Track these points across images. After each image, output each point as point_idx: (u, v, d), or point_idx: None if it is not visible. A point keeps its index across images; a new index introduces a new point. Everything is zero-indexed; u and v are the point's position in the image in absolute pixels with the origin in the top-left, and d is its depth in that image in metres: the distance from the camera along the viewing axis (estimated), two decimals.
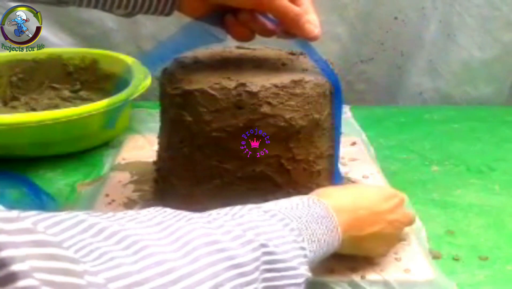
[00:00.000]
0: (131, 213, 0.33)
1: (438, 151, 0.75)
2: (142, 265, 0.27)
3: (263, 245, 0.34)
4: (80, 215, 0.28)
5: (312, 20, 0.46)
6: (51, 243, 0.22)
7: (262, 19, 0.48)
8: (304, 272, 0.36)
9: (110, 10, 0.46)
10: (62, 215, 0.28)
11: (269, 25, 0.48)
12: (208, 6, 0.48)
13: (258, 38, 0.50)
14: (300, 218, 0.39)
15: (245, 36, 0.49)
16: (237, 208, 0.38)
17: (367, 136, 0.77)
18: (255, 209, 0.38)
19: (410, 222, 0.49)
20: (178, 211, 0.35)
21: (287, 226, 0.37)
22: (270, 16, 0.48)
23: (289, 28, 0.47)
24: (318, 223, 0.40)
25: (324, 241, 0.40)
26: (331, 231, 0.40)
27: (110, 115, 0.57)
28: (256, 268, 0.32)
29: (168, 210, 0.34)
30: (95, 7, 0.45)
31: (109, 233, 0.28)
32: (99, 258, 0.26)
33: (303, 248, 0.37)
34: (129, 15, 0.47)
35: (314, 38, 0.47)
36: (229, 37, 0.50)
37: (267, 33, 0.49)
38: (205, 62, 0.53)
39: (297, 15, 0.45)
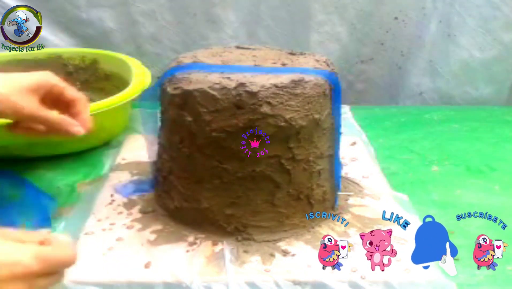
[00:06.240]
0: None
1: (438, 151, 0.75)
2: None
3: None
4: None
5: (74, 122, 0.50)
6: None
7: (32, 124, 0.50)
8: None
9: None
10: None
11: (40, 127, 0.50)
12: None
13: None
14: None
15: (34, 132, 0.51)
16: None
17: (367, 136, 0.77)
18: None
19: None
20: None
21: None
22: None
23: (58, 132, 0.50)
24: None
25: None
26: None
27: None
28: None
29: None
30: None
31: None
32: None
33: None
34: None
35: (87, 133, 0.50)
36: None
37: (41, 134, 0.51)
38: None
39: (58, 123, 0.49)
